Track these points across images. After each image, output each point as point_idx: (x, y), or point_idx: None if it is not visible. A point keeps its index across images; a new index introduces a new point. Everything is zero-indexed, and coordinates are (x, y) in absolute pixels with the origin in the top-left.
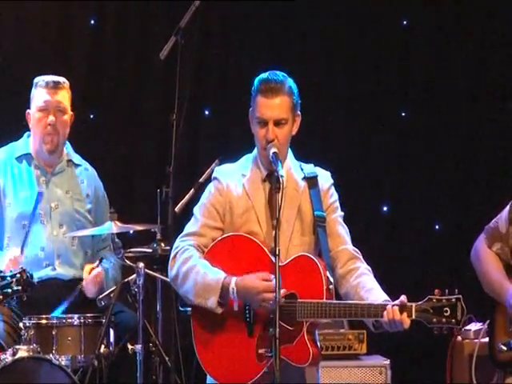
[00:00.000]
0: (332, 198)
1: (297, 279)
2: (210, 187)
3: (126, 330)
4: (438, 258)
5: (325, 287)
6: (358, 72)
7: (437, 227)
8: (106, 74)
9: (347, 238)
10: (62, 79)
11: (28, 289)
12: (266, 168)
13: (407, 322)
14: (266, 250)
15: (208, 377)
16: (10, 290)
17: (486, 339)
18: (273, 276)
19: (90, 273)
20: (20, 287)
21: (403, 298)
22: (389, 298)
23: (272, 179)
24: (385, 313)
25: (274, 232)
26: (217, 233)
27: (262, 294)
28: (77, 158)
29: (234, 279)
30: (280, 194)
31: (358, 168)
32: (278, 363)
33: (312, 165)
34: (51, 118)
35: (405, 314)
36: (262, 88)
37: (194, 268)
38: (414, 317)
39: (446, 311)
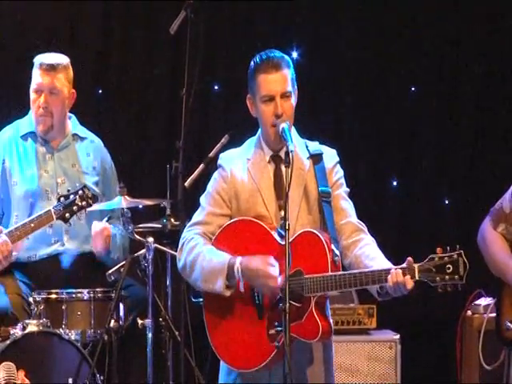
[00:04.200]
0: (337, 175)
1: (302, 255)
2: (215, 175)
3: (136, 305)
4: (447, 232)
5: (329, 260)
6: (367, 46)
7: (446, 202)
8: (114, 49)
9: (351, 211)
10: (59, 60)
11: (92, 202)
12: (271, 148)
13: (410, 283)
14: (271, 231)
15: (221, 362)
16: (75, 207)
17: (495, 314)
18: (276, 263)
19: (97, 226)
20: (85, 202)
21: (408, 261)
22: (392, 265)
23: (277, 160)
24: (389, 277)
25: (281, 212)
26: (223, 219)
27: (265, 279)
28: (82, 131)
29: (238, 259)
30: (290, 168)
31: (367, 142)
32: (287, 338)
33: (317, 142)
34: (42, 100)
35: (408, 276)
36: (263, 66)
37: (199, 255)
38: (417, 277)
39: (449, 268)
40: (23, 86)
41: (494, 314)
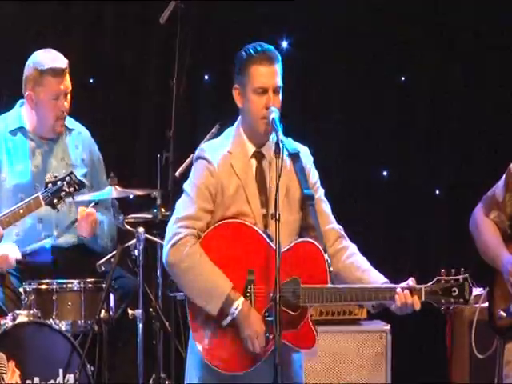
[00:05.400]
0: (315, 176)
1: (298, 265)
2: (200, 167)
3: (126, 295)
4: (438, 222)
5: (328, 271)
6: (356, 36)
7: (437, 192)
8: (105, 39)
9: (332, 216)
10: (63, 61)
11: (80, 188)
12: (254, 144)
13: (418, 305)
14: (261, 234)
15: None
16: (63, 193)
17: (486, 304)
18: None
19: (82, 212)
20: (72, 188)
21: (412, 280)
22: (387, 280)
23: (258, 156)
24: (396, 297)
25: (263, 210)
26: (209, 216)
27: (252, 336)
28: (69, 122)
29: (241, 299)
30: (280, 159)
31: (357, 133)
32: (278, 328)
33: (291, 139)
34: (66, 104)
35: (416, 297)
36: (259, 57)
37: (196, 267)
38: (423, 299)
39: (454, 291)
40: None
41: (484, 305)
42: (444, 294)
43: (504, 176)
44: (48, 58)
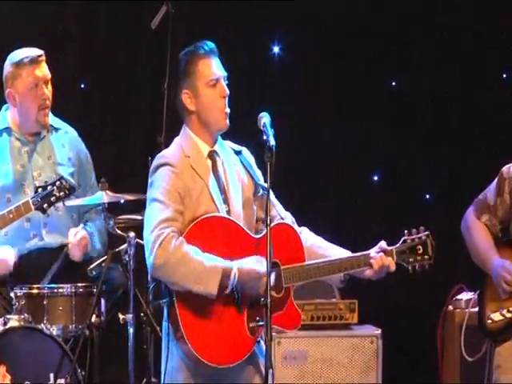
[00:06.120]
0: (259, 170)
1: (276, 247)
2: (165, 172)
3: (117, 287)
4: (429, 227)
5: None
6: (348, 41)
7: (427, 197)
8: (97, 44)
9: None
10: (39, 51)
11: (70, 193)
12: (208, 142)
13: (394, 266)
14: (240, 224)
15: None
16: (53, 198)
17: (476, 309)
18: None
19: (74, 236)
20: (63, 193)
21: (383, 243)
22: (350, 251)
23: (212, 155)
24: (372, 261)
25: (225, 206)
26: (181, 217)
27: (258, 281)
28: (56, 122)
29: (235, 264)
30: (271, 164)
31: (349, 137)
32: (269, 332)
33: (229, 141)
34: (47, 92)
35: (390, 258)
36: (202, 53)
37: (186, 255)
38: (395, 260)
39: (419, 249)
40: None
41: (475, 309)
42: (411, 253)
43: (496, 180)
44: (22, 51)
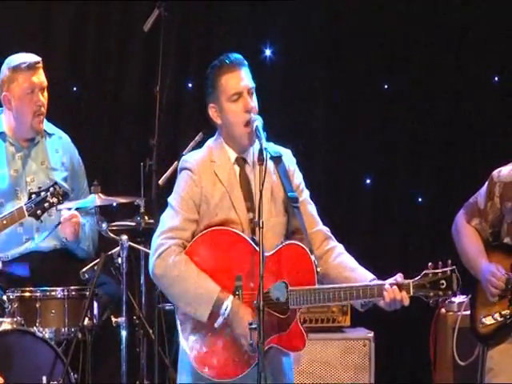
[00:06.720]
0: (299, 178)
1: (286, 267)
2: (184, 178)
3: (110, 302)
4: (421, 231)
5: (315, 272)
6: (340, 44)
7: (420, 200)
8: (89, 47)
9: (317, 217)
10: (36, 58)
11: (63, 199)
12: (237, 150)
13: (407, 300)
14: (247, 239)
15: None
16: (47, 204)
17: (469, 312)
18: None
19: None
20: (56, 199)
21: (399, 276)
22: (375, 276)
23: (241, 162)
24: (385, 293)
25: (249, 214)
26: (195, 225)
27: (246, 336)
28: (49, 128)
29: (230, 297)
30: (264, 166)
31: (341, 140)
32: (262, 335)
33: (272, 143)
34: (42, 98)
35: (404, 292)
36: (225, 67)
37: (184, 275)
38: (412, 293)
39: (442, 284)
40: None
41: (467, 312)
42: (432, 288)
43: (486, 184)
44: (20, 56)
